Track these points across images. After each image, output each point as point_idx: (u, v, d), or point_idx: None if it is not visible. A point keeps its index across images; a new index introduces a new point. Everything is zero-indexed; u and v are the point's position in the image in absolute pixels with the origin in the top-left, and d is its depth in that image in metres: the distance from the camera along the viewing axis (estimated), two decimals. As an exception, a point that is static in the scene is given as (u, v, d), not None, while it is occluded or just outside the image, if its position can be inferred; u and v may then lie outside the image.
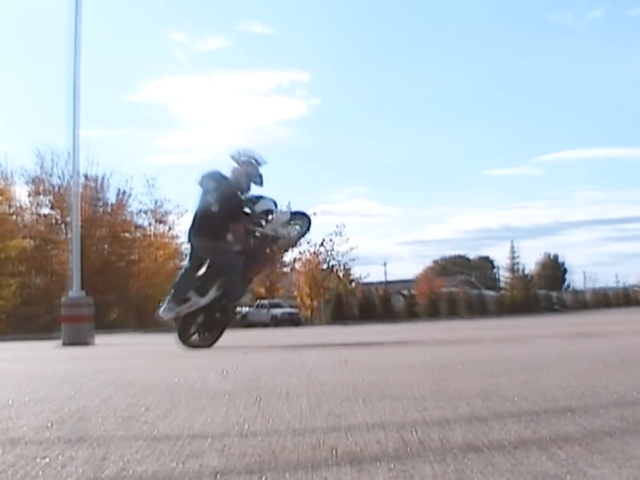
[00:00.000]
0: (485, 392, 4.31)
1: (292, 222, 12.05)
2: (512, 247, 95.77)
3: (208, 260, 11.56)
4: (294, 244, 12.53)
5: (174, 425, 3.45)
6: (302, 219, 12.29)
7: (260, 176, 11.78)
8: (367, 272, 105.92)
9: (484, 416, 3.44)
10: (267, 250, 12.26)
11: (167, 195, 59.11)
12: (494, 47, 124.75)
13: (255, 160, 11.76)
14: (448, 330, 20.36)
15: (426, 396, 4.18)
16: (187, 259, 12.22)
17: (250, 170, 11.71)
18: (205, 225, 11.43)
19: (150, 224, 57.35)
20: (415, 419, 3.43)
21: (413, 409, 3.70)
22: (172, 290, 11.79)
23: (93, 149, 58.27)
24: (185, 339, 11.63)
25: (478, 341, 11.54)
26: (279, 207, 12.16)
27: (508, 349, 9.29)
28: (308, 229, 12.25)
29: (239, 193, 11.59)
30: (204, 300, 11.52)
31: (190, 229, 11.68)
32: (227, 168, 11.70)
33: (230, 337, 21.71)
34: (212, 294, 11.53)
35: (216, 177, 11.60)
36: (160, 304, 11.95)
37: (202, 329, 11.79)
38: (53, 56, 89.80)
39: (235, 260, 11.53)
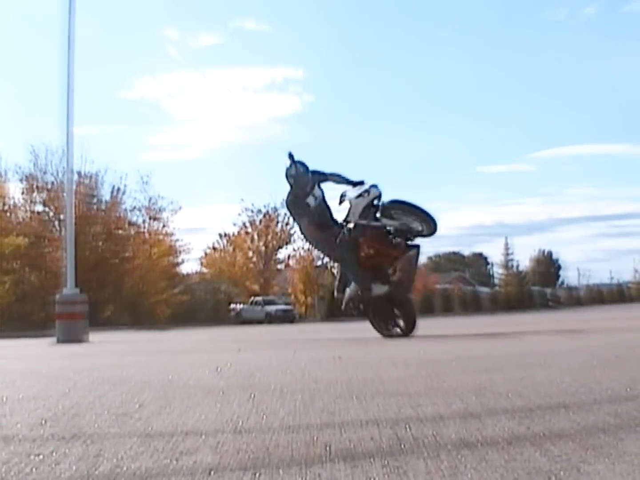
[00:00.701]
0: (479, 388, 4.31)
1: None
2: (506, 244, 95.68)
3: None
4: None
5: (167, 422, 3.45)
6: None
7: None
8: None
9: (477, 412, 3.45)
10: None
11: (161, 192, 58.90)
12: (487, 44, 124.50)
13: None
14: (442, 326, 20.35)
15: (420, 392, 4.19)
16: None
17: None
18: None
19: (144, 221, 57.29)
20: (409, 415, 3.43)
21: (407, 406, 3.70)
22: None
23: (87, 146, 58.23)
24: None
25: (472, 337, 11.53)
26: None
27: (502, 345, 9.29)
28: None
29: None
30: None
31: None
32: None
33: (224, 334, 21.70)
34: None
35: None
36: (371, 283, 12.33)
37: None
38: (46, 53, 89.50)
39: (336, 253, 12.69)
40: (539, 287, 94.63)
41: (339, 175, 12.66)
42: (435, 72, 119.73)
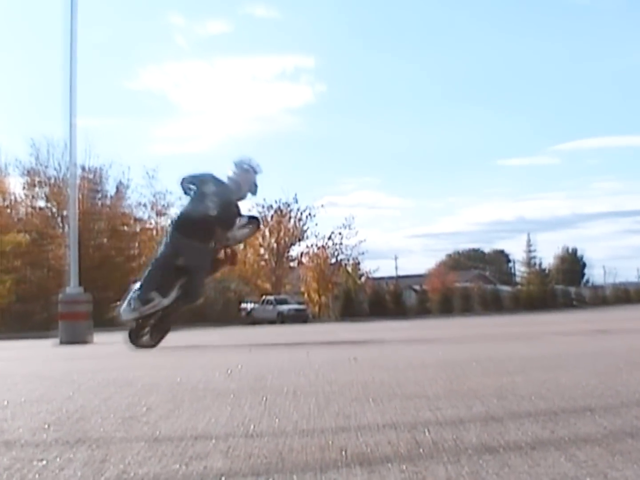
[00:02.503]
0: (501, 390, 4.32)
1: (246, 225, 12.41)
2: (529, 240, 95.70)
3: (180, 260, 11.76)
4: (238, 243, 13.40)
5: (176, 426, 3.46)
6: (253, 223, 12.75)
7: (256, 185, 12.23)
8: (377, 267, 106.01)
9: (499, 416, 3.45)
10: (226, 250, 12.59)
11: (168, 187, 58.97)
12: (508, 32, 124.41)
13: (254, 169, 12.18)
14: (462, 326, 20.34)
15: (439, 395, 4.19)
16: (158, 257, 12.24)
17: (251, 178, 12.14)
18: (196, 227, 11.68)
19: (150, 217, 57.40)
20: (428, 418, 3.43)
21: (426, 409, 3.71)
22: (139, 290, 11.86)
23: (90, 139, 58.29)
24: (137, 340, 11.83)
25: (493, 338, 11.54)
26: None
27: (524, 346, 9.30)
28: (255, 231, 13.57)
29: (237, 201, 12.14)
30: (166, 301, 11.72)
31: (177, 228, 11.90)
32: (222, 173, 12.09)
33: (236, 335, 21.75)
34: (173, 294, 11.76)
35: (215, 182, 11.97)
36: (119, 304, 12.07)
37: (154, 330, 11.98)
38: (48, 43, 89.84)
39: (207, 263, 12.10)
40: (563, 285, 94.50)
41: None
42: (454, 61, 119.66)
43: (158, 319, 11.82)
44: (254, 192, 12.23)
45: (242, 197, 12.20)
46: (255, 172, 12.14)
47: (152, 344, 11.73)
